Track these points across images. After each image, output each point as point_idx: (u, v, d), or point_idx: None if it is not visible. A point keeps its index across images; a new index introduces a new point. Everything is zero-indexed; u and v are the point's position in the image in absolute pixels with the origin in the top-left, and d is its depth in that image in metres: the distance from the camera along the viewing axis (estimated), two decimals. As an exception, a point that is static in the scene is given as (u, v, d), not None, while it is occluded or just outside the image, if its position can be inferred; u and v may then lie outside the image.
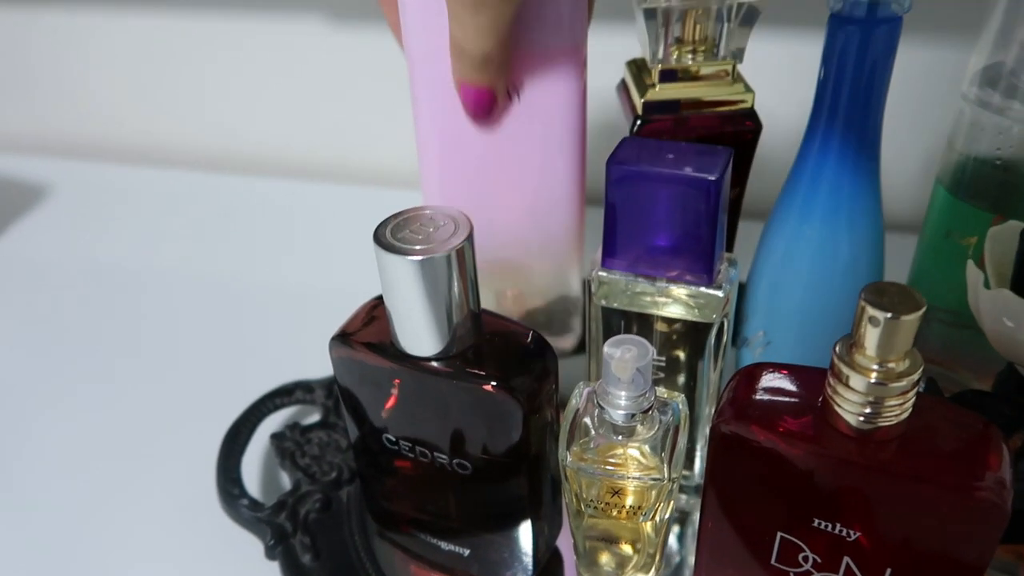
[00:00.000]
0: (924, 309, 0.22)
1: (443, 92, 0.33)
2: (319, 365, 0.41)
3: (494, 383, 0.28)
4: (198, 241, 0.59)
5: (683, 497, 0.37)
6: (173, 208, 0.64)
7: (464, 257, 0.27)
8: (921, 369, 0.23)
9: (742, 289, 0.38)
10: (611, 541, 0.31)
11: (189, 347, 0.48)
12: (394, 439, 0.31)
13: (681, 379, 0.35)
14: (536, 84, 0.33)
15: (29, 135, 0.75)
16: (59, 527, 0.38)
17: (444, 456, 0.30)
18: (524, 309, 0.41)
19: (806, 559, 0.26)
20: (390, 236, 0.27)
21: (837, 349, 0.24)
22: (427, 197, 0.37)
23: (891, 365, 0.23)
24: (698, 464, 0.37)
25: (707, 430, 0.35)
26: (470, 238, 0.27)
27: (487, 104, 0.31)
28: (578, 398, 0.30)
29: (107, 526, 0.38)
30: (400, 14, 0.32)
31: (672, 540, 0.36)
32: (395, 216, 0.28)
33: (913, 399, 0.23)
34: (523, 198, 0.36)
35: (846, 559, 0.26)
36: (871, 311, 0.22)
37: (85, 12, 0.66)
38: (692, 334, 0.33)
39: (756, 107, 0.35)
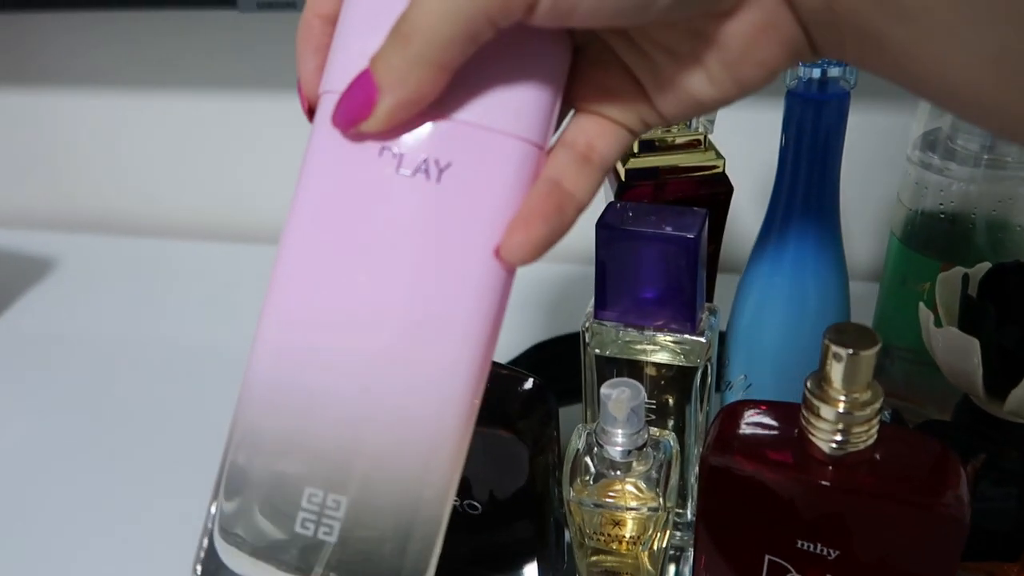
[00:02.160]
0: (880, 345, 0.25)
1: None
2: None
3: (502, 427, 0.30)
4: (204, 310, 0.61)
5: (678, 534, 0.39)
6: (179, 279, 0.66)
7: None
8: (882, 399, 0.26)
9: (723, 337, 0.42)
10: (613, 574, 0.33)
11: (196, 413, 0.50)
12: None
13: (671, 423, 0.38)
14: (469, 169, 0.22)
15: (35, 210, 0.78)
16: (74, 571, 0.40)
17: (455, 499, 0.33)
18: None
19: (793, 579, 0.29)
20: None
21: (808, 384, 0.27)
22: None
23: (855, 395, 0.26)
24: (690, 501, 0.39)
25: (696, 468, 0.38)
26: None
27: (363, 105, 0.21)
28: (578, 438, 0.32)
29: (119, 572, 0.40)
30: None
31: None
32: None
33: (878, 425, 0.26)
34: (396, 321, 0.22)
35: (828, 577, 0.28)
36: (834, 348, 0.25)
37: (90, 93, 0.70)
38: (679, 379, 0.36)
39: (728, 171, 0.39)
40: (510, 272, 0.22)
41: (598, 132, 0.23)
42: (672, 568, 0.38)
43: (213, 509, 0.23)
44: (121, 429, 0.50)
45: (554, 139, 0.23)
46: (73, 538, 0.42)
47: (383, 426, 0.22)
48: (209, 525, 0.23)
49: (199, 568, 0.24)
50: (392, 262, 0.21)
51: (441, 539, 0.23)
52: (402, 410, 0.22)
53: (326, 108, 0.22)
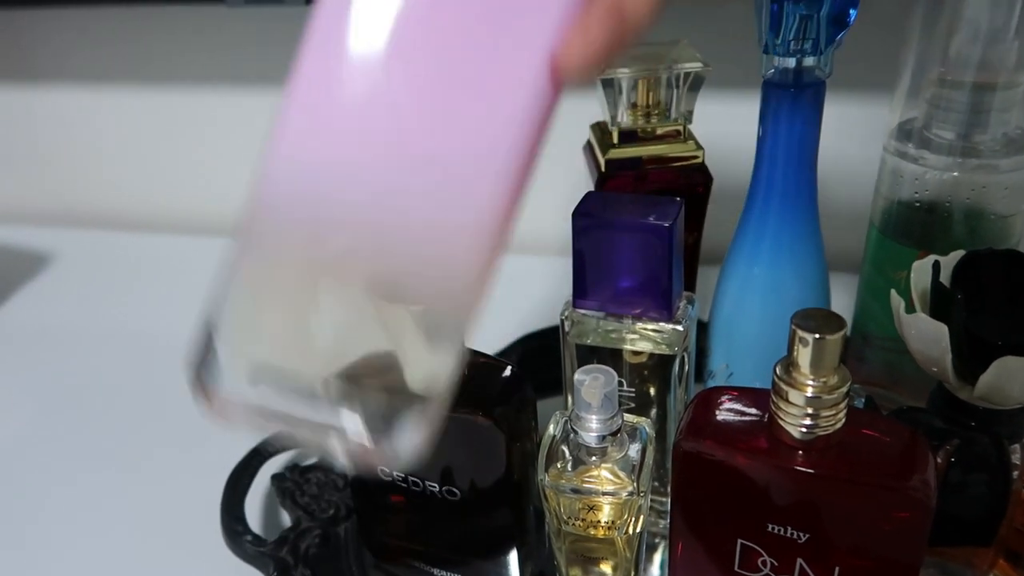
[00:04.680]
0: (845, 329, 0.26)
1: None
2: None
3: (479, 413, 0.31)
4: (199, 305, 0.62)
5: (661, 522, 0.40)
6: (175, 274, 0.67)
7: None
8: (849, 383, 0.26)
9: (705, 326, 0.42)
10: (590, 560, 0.34)
11: (191, 410, 0.51)
12: (388, 471, 0.34)
13: (653, 412, 0.38)
14: None
15: (34, 205, 0.78)
16: (69, 568, 0.40)
17: (435, 484, 0.33)
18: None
19: (764, 563, 0.29)
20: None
21: (777, 370, 0.27)
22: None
23: (823, 380, 0.26)
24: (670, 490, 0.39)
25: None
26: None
27: None
28: (554, 425, 0.33)
29: (118, 563, 0.40)
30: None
31: (655, 569, 0.38)
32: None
33: (845, 409, 0.27)
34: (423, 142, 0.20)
35: (799, 560, 0.29)
36: (801, 333, 0.26)
37: (87, 89, 0.71)
38: (658, 367, 0.36)
39: (709, 162, 0.40)
40: (557, 90, 0.20)
41: None
42: (657, 556, 0.39)
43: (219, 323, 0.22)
44: (117, 423, 0.50)
45: None
46: (70, 531, 0.43)
47: (415, 232, 0.20)
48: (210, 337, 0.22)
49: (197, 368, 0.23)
50: (433, 58, 0.19)
51: (463, 354, 0.21)
52: (439, 213, 0.20)
53: None
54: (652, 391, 0.37)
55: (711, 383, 0.42)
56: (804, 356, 0.26)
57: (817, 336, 0.25)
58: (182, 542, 0.41)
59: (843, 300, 0.42)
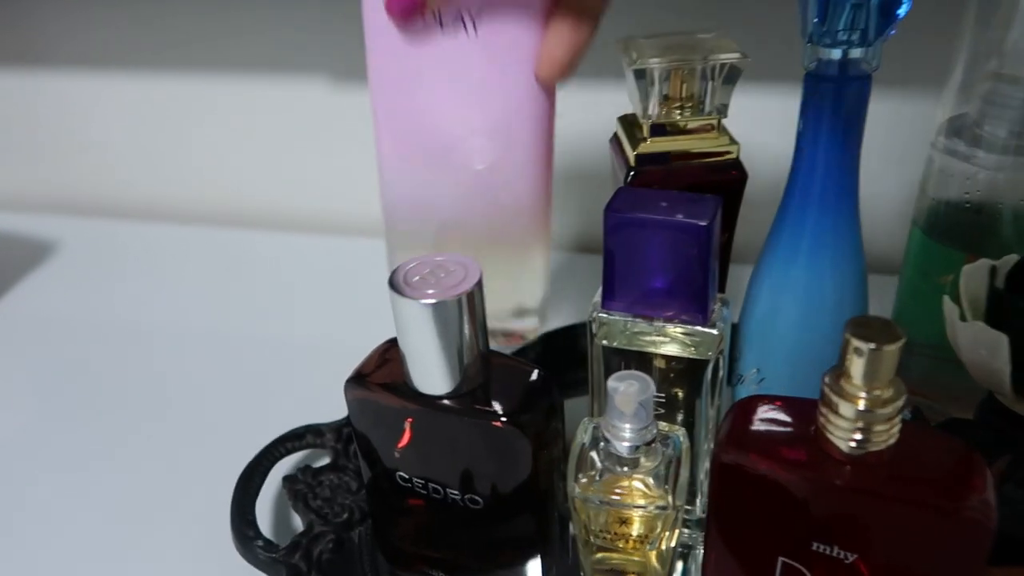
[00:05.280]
0: (904, 340, 0.24)
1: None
2: (326, 411, 0.42)
3: (504, 419, 0.29)
4: (205, 294, 0.61)
5: (686, 531, 0.38)
6: (180, 263, 0.65)
7: (474, 301, 0.29)
8: (905, 396, 0.25)
9: (735, 329, 0.40)
10: (619, 574, 0.32)
11: (198, 399, 0.50)
12: (407, 477, 0.32)
13: (680, 416, 0.36)
14: (498, 17, 0.30)
15: (37, 193, 0.77)
16: (78, 571, 0.39)
17: (456, 493, 0.32)
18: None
19: (807, 583, 0.28)
20: (404, 282, 0.29)
21: (826, 380, 0.25)
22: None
23: (877, 393, 0.24)
24: (699, 498, 0.38)
25: (707, 464, 0.37)
26: (479, 283, 0.29)
27: (411, 6, 0.28)
28: (584, 433, 0.31)
29: (125, 567, 0.39)
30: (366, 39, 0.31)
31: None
32: (408, 263, 0.30)
33: (899, 424, 0.25)
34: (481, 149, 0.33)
35: (845, 582, 0.27)
36: (855, 343, 0.24)
37: (90, 75, 0.69)
38: (689, 372, 0.35)
39: (743, 157, 0.38)
40: (550, 90, 0.30)
41: None
42: (679, 565, 0.37)
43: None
44: (121, 417, 0.49)
45: None
46: (73, 520, 0.41)
47: (486, 210, 0.32)
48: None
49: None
50: (461, 96, 0.30)
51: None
52: (502, 195, 0.32)
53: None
54: (680, 395, 0.36)
55: (740, 388, 0.41)
56: (857, 367, 0.24)
57: (873, 346, 0.24)
58: (189, 544, 0.39)
59: (879, 304, 0.40)
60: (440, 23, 0.29)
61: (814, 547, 0.27)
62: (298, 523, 0.39)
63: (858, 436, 0.25)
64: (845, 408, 0.25)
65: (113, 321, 0.58)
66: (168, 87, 0.68)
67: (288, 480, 0.39)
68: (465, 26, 0.29)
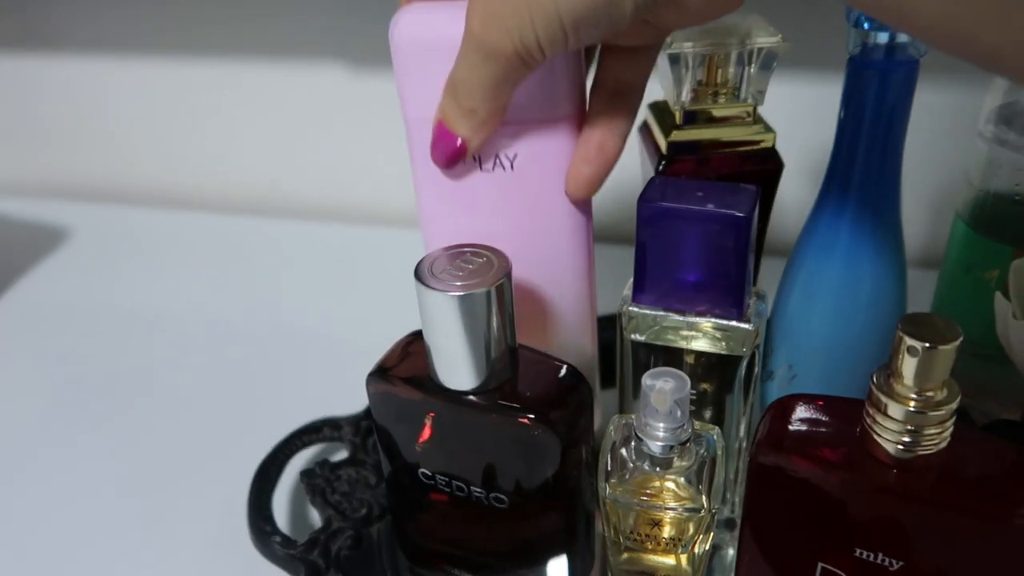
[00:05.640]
0: (960, 339, 0.23)
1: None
2: (344, 403, 0.41)
3: (532, 416, 0.28)
4: (220, 283, 0.60)
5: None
6: (194, 250, 0.65)
7: (503, 293, 0.28)
8: (959, 398, 0.23)
9: (768, 324, 0.39)
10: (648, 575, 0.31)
11: (213, 388, 0.49)
12: (430, 474, 0.31)
13: (708, 414, 0.35)
14: (531, 154, 0.31)
15: (48, 180, 0.76)
16: (92, 567, 0.38)
17: (480, 490, 0.31)
18: None
19: (848, 590, 0.27)
20: (430, 272, 0.28)
21: (875, 379, 0.24)
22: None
23: (929, 394, 0.23)
24: (728, 497, 0.37)
25: (736, 463, 0.36)
26: (508, 275, 0.28)
27: (452, 153, 0.29)
28: (615, 430, 0.30)
29: (139, 565, 0.38)
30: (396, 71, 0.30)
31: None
32: (434, 254, 0.29)
33: (951, 428, 0.24)
34: (527, 267, 0.32)
35: (888, 589, 0.26)
36: (909, 341, 0.23)
37: (101, 60, 0.68)
38: (720, 368, 0.34)
39: (778, 146, 0.36)
40: (583, 205, 0.32)
41: (621, 65, 0.29)
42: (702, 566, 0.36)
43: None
44: (135, 403, 0.48)
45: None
46: (86, 514, 0.41)
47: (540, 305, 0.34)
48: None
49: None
50: (506, 223, 0.32)
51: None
52: (552, 295, 0.34)
53: (421, 133, 0.30)
54: (710, 391, 0.35)
55: (771, 385, 0.39)
56: (909, 366, 0.23)
57: (928, 345, 0.23)
58: (206, 539, 0.39)
59: (916, 299, 0.39)
60: (480, 165, 0.30)
61: (857, 553, 0.26)
62: (315, 518, 0.38)
63: (907, 439, 0.24)
64: (895, 409, 0.24)
65: (128, 310, 0.57)
66: (181, 72, 0.67)
67: (305, 474, 0.39)
68: (503, 166, 0.31)
